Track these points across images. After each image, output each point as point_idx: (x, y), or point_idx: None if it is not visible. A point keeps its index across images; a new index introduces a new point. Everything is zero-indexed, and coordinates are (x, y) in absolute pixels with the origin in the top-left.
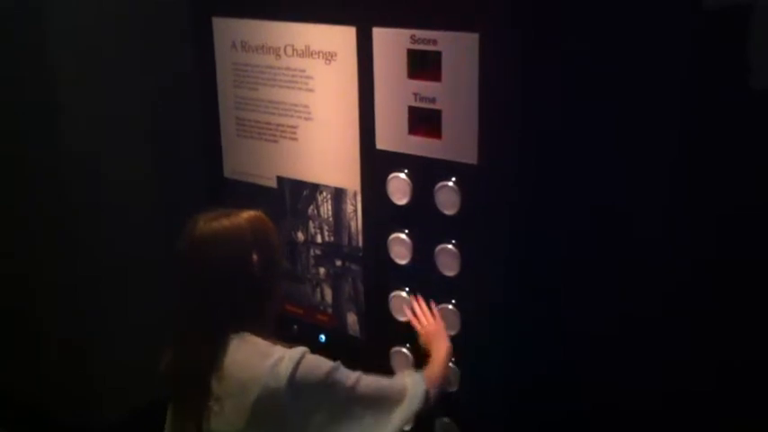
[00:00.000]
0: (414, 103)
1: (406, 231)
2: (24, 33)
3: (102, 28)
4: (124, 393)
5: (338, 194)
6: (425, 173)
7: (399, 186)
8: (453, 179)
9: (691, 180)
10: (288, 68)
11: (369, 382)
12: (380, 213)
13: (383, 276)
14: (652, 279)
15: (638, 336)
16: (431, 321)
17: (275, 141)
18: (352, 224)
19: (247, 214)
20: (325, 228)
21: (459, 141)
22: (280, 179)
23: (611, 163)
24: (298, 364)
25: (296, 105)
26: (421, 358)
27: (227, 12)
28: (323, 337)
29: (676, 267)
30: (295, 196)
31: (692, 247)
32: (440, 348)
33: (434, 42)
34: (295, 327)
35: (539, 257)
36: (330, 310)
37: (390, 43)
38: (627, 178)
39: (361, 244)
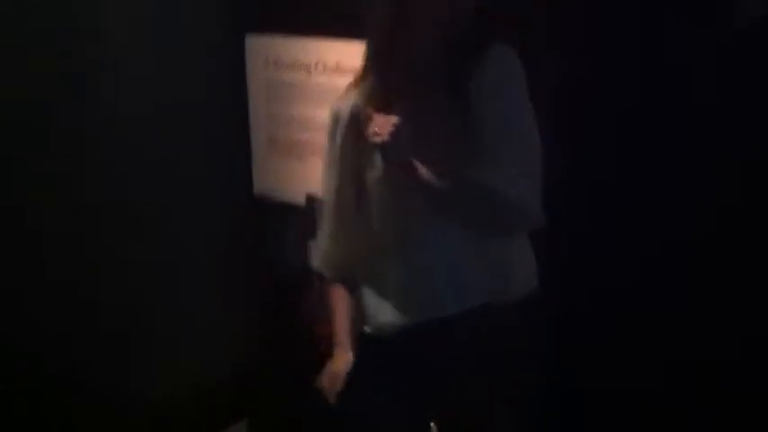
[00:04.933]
0: None
1: None
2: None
3: (133, 46)
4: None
5: None
6: None
7: None
8: None
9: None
10: (319, 85)
11: None
12: None
13: None
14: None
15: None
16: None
17: (305, 158)
18: None
19: None
20: None
21: None
22: (309, 196)
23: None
24: None
25: (326, 122)
26: None
27: (260, 29)
28: None
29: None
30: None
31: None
32: None
33: None
34: (322, 348)
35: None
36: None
37: None
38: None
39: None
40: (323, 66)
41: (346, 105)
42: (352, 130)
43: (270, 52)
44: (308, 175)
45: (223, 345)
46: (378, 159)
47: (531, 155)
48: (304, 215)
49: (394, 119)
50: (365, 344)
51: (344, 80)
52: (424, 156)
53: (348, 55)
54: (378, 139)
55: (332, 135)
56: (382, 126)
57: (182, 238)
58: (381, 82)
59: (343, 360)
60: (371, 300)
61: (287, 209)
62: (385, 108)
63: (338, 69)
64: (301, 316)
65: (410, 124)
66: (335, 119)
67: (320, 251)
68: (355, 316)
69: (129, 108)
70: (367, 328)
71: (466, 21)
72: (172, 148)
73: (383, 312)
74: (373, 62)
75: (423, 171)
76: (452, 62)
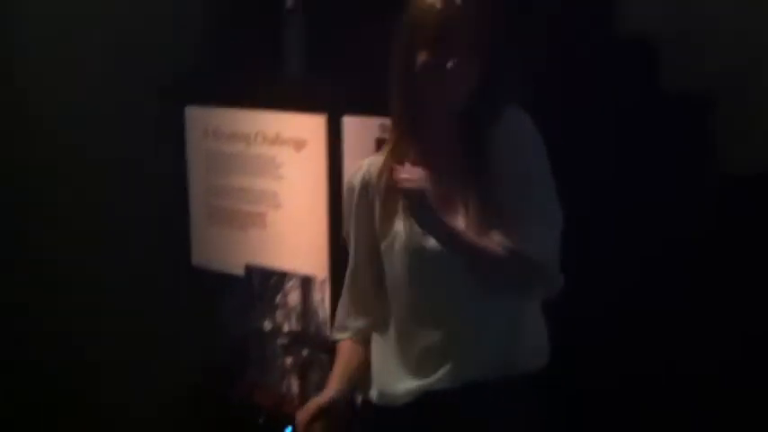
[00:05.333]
0: None
1: None
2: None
3: (77, 115)
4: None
5: (306, 282)
6: None
7: None
8: None
9: None
10: (258, 156)
11: None
12: None
13: None
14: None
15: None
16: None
17: (244, 229)
18: (320, 312)
19: None
20: (293, 316)
21: None
22: (248, 267)
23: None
24: None
25: (265, 193)
26: None
27: (199, 101)
28: (289, 430)
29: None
30: (263, 284)
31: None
32: None
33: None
34: (261, 419)
35: None
36: (297, 401)
37: (360, 132)
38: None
39: (329, 333)
40: (262, 137)
41: (358, 176)
42: (364, 199)
43: (209, 123)
44: (247, 245)
45: None
46: (398, 225)
47: (549, 216)
48: (243, 285)
49: (420, 170)
50: (371, 413)
51: (284, 151)
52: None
53: (287, 126)
54: (407, 185)
55: (347, 207)
56: (410, 173)
57: (118, 314)
58: (402, 145)
59: (324, 396)
60: (385, 367)
61: (226, 279)
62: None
63: (278, 140)
64: (241, 386)
65: (433, 189)
66: (350, 191)
67: (337, 322)
68: (360, 377)
69: (68, 173)
70: (373, 397)
71: (477, 91)
72: (110, 217)
73: (395, 381)
74: (395, 132)
75: (448, 226)
76: (467, 128)
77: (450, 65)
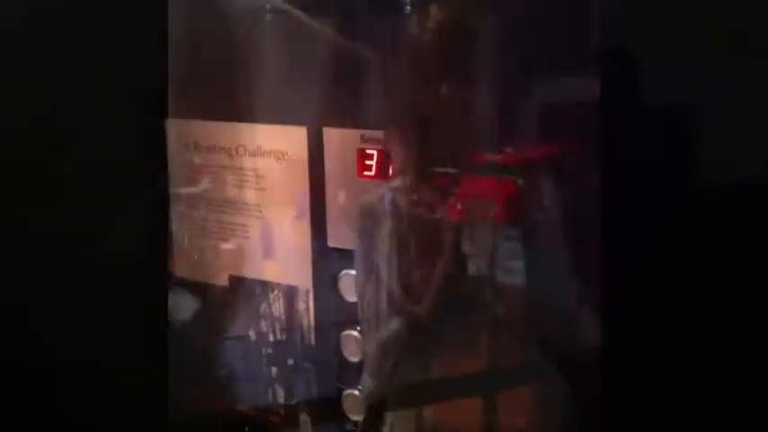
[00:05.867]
0: None
1: (358, 328)
2: None
3: (54, 129)
4: None
5: (290, 292)
6: None
7: (351, 283)
8: None
9: None
10: (240, 168)
11: None
12: (332, 311)
13: (336, 374)
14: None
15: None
16: None
17: (227, 240)
18: (305, 322)
19: None
20: (277, 326)
21: None
22: (231, 278)
23: None
24: None
25: (248, 204)
26: None
27: (180, 113)
28: None
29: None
30: (247, 295)
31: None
32: None
33: (383, 142)
34: (246, 429)
35: None
36: (282, 411)
37: (340, 143)
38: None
39: (313, 342)
40: (243, 149)
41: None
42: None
43: (190, 135)
44: (230, 257)
45: None
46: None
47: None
48: (225, 295)
49: None
50: None
51: (266, 163)
52: None
53: (268, 138)
54: None
55: (366, 232)
56: None
57: (97, 336)
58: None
59: None
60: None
61: (208, 290)
62: None
63: (259, 152)
64: (226, 396)
65: None
66: (371, 215)
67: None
68: None
69: (44, 186)
70: None
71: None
72: (88, 231)
73: None
74: (408, 160)
75: None
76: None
77: (443, 91)
